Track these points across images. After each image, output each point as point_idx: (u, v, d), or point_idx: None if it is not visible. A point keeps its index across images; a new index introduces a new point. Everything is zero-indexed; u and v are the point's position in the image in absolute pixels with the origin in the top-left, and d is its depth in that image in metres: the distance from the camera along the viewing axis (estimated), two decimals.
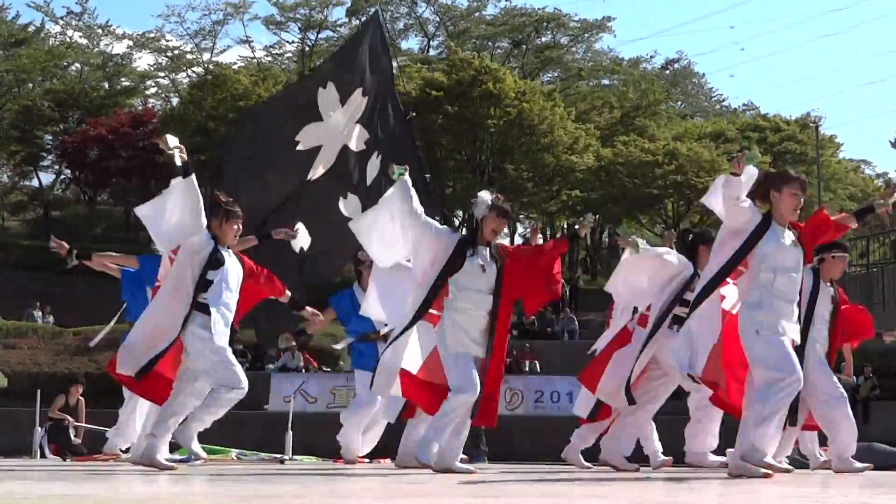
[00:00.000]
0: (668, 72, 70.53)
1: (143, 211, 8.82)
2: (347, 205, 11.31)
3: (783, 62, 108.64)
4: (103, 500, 5.45)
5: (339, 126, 11.24)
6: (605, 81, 68.56)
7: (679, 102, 73.06)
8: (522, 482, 7.86)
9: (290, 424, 15.63)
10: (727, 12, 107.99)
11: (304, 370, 29.54)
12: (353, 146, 11.40)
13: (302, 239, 11.13)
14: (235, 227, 9.05)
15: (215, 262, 8.81)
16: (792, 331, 8.04)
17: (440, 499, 5.59)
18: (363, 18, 63.39)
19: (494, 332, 8.71)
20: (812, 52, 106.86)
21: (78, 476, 8.11)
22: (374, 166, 11.42)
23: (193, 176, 8.67)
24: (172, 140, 8.70)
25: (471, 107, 47.11)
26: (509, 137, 48.64)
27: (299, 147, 11.13)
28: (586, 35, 65.92)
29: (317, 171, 11.25)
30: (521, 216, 58.63)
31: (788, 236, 8.18)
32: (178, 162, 8.66)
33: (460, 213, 50.75)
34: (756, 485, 7.19)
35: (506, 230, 63.55)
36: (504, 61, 61.36)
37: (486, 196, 8.95)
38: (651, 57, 70.42)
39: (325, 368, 30.05)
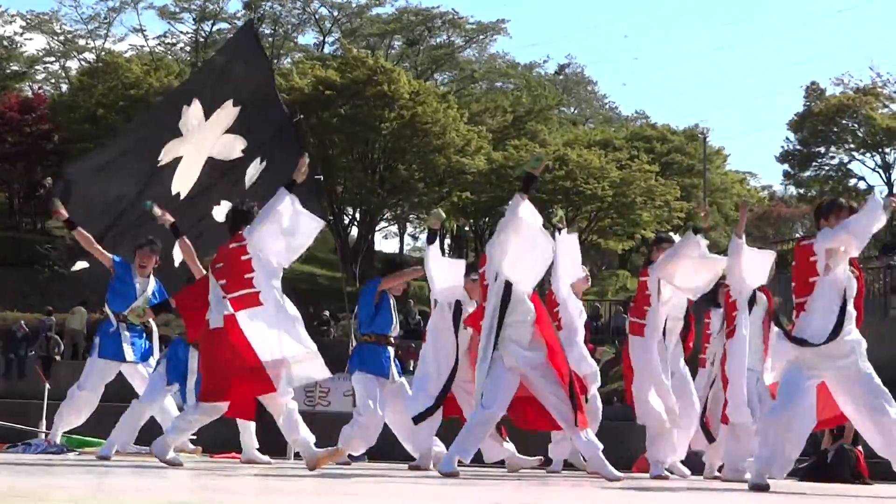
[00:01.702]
0: (561, 77, 71.15)
1: None
2: (220, 210, 11.29)
3: (675, 73, 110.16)
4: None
5: (202, 140, 11.20)
6: (499, 84, 68.96)
7: (572, 108, 73.77)
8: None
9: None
10: (622, 21, 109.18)
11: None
12: (220, 157, 11.37)
13: (177, 255, 11.08)
14: None
15: None
16: None
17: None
18: (260, 12, 63.15)
19: None
20: (704, 65, 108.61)
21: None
22: (255, 169, 11.40)
23: None
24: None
25: (364, 107, 47.04)
26: (402, 138, 48.64)
27: (161, 163, 11.10)
28: (481, 37, 66.22)
29: (181, 185, 11.21)
30: (411, 217, 58.71)
31: None
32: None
33: (350, 210, 50.74)
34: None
35: (395, 229, 63.43)
36: (398, 61, 61.39)
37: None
38: (544, 62, 71.11)
39: None
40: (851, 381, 7.97)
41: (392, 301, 10.96)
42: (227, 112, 11.25)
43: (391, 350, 10.88)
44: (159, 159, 11.11)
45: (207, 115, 11.23)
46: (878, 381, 8.04)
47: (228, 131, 11.32)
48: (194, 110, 11.18)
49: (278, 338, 8.27)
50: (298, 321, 8.41)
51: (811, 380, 7.87)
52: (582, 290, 11.57)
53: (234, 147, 11.37)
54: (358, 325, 11.10)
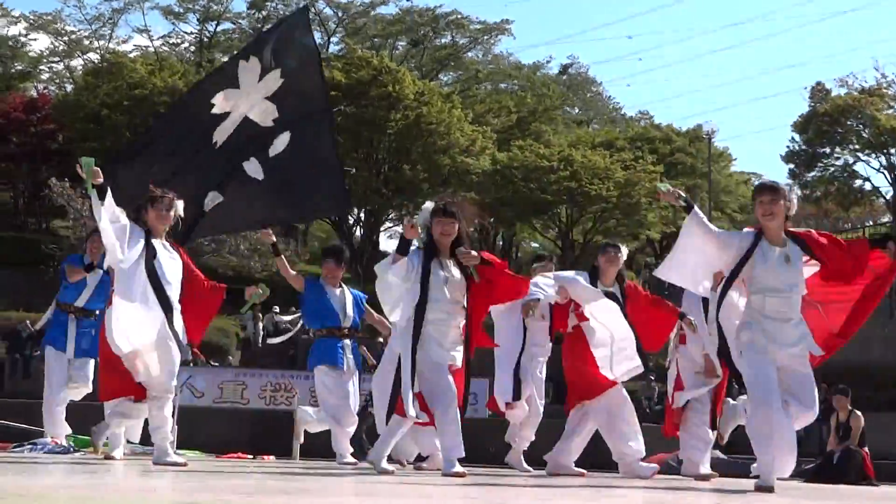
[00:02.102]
0: (564, 77, 71.17)
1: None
2: (248, 165, 11.37)
3: (679, 74, 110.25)
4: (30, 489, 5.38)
5: (249, 97, 11.31)
6: (503, 85, 68.99)
7: (576, 109, 73.77)
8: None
9: (175, 418, 15.49)
10: (626, 22, 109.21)
11: (192, 364, 29.27)
12: (256, 119, 11.46)
13: (210, 199, 11.21)
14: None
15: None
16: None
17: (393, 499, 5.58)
18: (264, 12, 63.20)
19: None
20: (709, 65, 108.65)
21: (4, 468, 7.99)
22: (281, 142, 11.48)
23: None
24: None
25: (369, 107, 47.08)
26: (407, 138, 48.69)
27: (214, 110, 11.17)
28: (485, 37, 66.27)
29: (220, 137, 11.30)
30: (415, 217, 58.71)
31: (780, 253, 7.82)
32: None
33: (355, 210, 50.74)
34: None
35: (400, 230, 63.74)
36: (402, 61, 61.42)
37: (427, 204, 9.00)
38: (548, 62, 71.15)
39: (213, 363, 29.81)
40: (792, 369, 7.81)
41: (338, 293, 11.59)
42: (274, 80, 11.34)
43: (346, 341, 11.50)
44: (213, 103, 11.19)
45: (262, 75, 11.34)
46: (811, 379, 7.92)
47: (268, 98, 11.41)
48: (252, 66, 11.28)
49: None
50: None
51: (771, 365, 7.69)
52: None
53: (268, 115, 11.45)
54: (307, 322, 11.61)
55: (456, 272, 8.74)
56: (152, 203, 9.00)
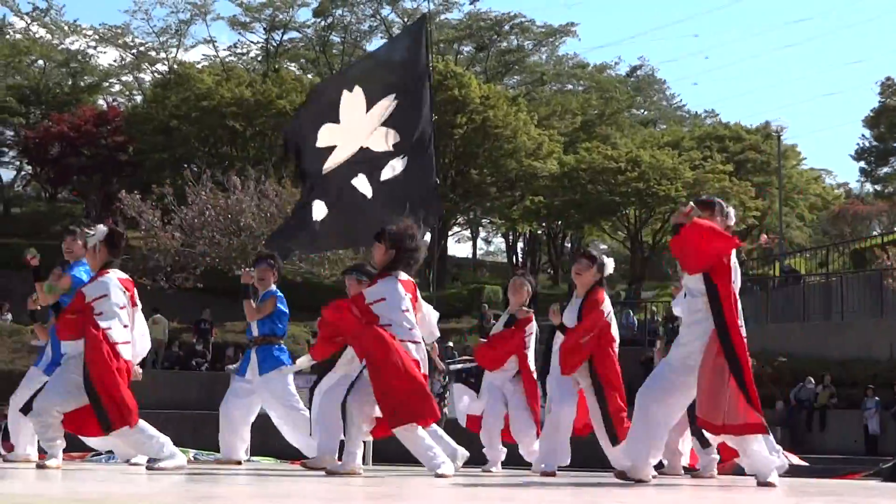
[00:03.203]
0: (632, 79, 70.88)
1: None
2: (359, 182, 11.41)
3: (746, 72, 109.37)
4: (57, 499, 5.43)
5: (358, 129, 11.32)
6: (569, 87, 68.78)
7: (642, 110, 73.42)
8: (492, 486, 7.87)
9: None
10: (691, 21, 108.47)
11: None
12: (373, 147, 11.47)
13: (318, 211, 11.26)
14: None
15: None
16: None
17: (400, 502, 5.59)
18: (329, 20, 63.47)
19: None
20: (775, 62, 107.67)
21: (34, 475, 8.06)
22: (396, 167, 11.51)
23: None
24: None
25: (435, 112, 47.11)
26: (473, 142, 48.70)
27: (317, 144, 11.24)
28: (550, 39, 66.11)
29: (330, 165, 11.36)
30: (483, 221, 58.69)
31: None
32: None
33: None
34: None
35: (468, 234, 63.60)
36: (468, 65, 61.43)
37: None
38: (615, 64, 70.80)
39: None
40: None
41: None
42: (388, 105, 11.36)
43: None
44: (316, 139, 11.27)
45: (369, 106, 11.35)
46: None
47: (384, 124, 11.44)
48: (356, 99, 11.29)
49: None
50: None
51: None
52: None
53: (387, 140, 11.47)
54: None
55: None
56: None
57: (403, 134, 11.48)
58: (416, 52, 11.79)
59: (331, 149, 11.30)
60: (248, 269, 10.97)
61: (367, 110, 11.35)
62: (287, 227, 11.49)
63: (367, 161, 11.38)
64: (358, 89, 11.33)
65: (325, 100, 11.65)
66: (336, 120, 11.28)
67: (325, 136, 11.26)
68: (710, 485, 8.74)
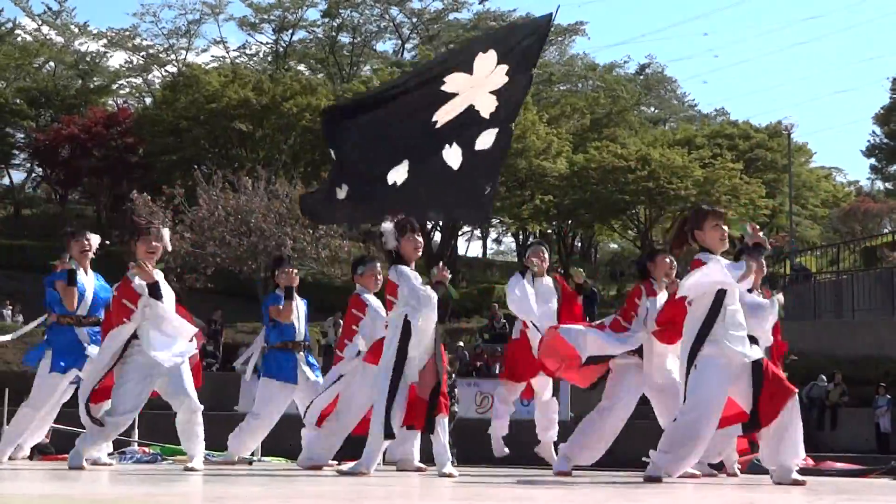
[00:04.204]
0: (641, 77, 70.85)
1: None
2: (449, 153, 11.45)
3: (756, 70, 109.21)
4: (69, 499, 5.44)
5: (479, 86, 11.43)
6: (579, 86, 68.75)
7: (651, 108, 73.36)
8: (495, 485, 7.87)
9: None
10: (701, 19, 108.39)
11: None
12: (480, 109, 11.57)
13: (399, 173, 11.30)
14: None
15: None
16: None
17: (405, 501, 5.59)
18: (338, 21, 63.51)
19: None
20: (785, 60, 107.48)
21: (45, 475, 8.08)
22: (488, 137, 11.60)
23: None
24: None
25: None
26: None
27: (444, 87, 11.30)
28: (560, 39, 66.09)
29: (441, 117, 11.42)
30: (494, 221, 58.65)
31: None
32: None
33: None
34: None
35: (478, 233, 63.65)
36: None
37: (388, 226, 9.00)
38: (625, 62, 70.81)
39: None
40: None
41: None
42: (501, 76, 11.47)
43: (300, 355, 11.25)
44: (444, 80, 11.34)
45: (493, 69, 11.48)
46: None
47: (493, 92, 11.54)
48: (489, 57, 11.41)
49: None
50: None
51: None
52: None
53: (488, 108, 11.57)
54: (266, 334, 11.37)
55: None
56: (140, 235, 9.22)
57: (500, 109, 11.60)
58: (537, 42, 11.95)
59: (453, 94, 11.38)
60: (291, 269, 11.05)
61: (491, 72, 11.47)
62: (332, 193, 11.39)
63: (470, 126, 11.47)
64: (491, 51, 11.48)
65: (463, 55, 11.81)
66: (470, 70, 11.37)
67: (455, 83, 11.33)
68: (727, 483, 8.74)
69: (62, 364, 10.03)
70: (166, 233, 9.40)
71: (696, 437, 7.79)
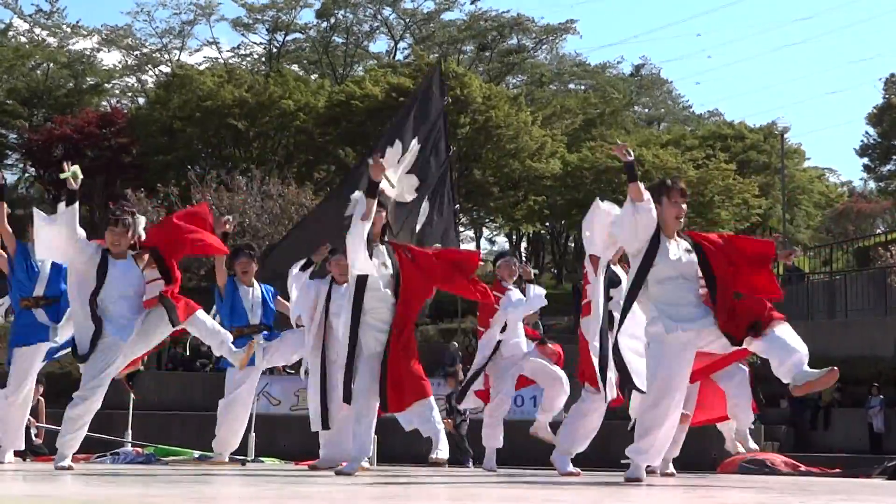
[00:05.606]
0: (636, 78, 70.85)
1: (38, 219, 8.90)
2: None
3: (749, 70, 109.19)
4: (59, 499, 5.44)
5: (394, 183, 11.42)
6: (571, 86, 68.73)
7: (645, 108, 73.36)
8: (489, 485, 7.88)
9: (252, 426, 15.58)
10: (694, 20, 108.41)
11: (268, 372, 29.41)
12: (405, 198, 11.57)
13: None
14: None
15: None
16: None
17: (399, 501, 5.60)
18: (332, 21, 63.50)
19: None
20: (778, 61, 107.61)
21: (37, 476, 8.08)
22: (424, 211, 11.60)
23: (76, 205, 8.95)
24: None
25: None
26: (476, 143, 48.62)
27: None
28: (551, 38, 66.07)
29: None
30: (486, 221, 58.66)
31: (677, 247, 8.36)
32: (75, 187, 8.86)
33: None
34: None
35: (471, 235, 63.70)
36: (470, 66, 61.35)
37: (359, 195, 9.04)
38: (618, 63, 70.76)
39: (288, 371, 29.94)
40: None
41: (248, 293, 11.23)
42: (413, 153, 11.47)
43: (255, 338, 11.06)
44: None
45: (402, 154, 11.47)
46: None
47: (410, 171, 11.54)
48: (395, 151, 11.41)
49: None
50: None
51: None
52: None
53: (411, 187, 11.57)
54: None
55: (388, 261, 8.98)
56: (108, 225, 9.22)
57: (422, 178, 11.58)
58: (431, 97, 11.91)
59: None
60: (246, 261, 11.10)
61: (400, 160, 11.47)
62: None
63: (397, 220, 11.45)
64: (397, 142, 11.48)
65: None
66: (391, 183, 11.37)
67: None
68: (718, 483, 8.75)
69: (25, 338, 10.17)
70: (142, 221, 9.33)
71: (662, 422, 7.82)
